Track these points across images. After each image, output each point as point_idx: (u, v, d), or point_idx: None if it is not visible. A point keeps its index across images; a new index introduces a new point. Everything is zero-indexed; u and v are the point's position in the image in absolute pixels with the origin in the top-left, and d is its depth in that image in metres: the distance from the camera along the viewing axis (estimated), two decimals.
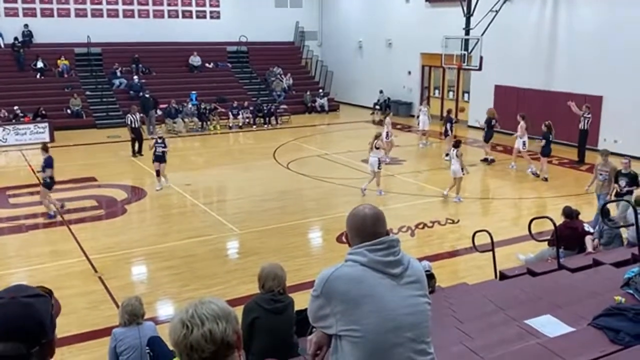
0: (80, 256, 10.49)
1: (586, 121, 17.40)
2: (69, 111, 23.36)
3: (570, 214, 9.49)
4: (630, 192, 10.96)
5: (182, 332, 1.85)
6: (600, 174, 11.81)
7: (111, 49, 26.33)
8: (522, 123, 16.71)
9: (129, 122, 18.84)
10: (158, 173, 14.72)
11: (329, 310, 2.55)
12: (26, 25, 25.17)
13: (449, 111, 19.54)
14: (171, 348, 1.93)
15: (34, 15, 25.49)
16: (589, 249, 8.76)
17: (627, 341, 4.00)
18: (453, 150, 13.92)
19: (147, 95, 22.43)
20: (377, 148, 14.08)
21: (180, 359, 1.91)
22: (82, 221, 12.49)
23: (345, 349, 2.54)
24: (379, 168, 14.10)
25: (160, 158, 14.69)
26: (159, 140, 14.85)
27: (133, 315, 5.52)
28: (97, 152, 19.34)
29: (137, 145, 18.87)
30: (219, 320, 1.86)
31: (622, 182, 11.14)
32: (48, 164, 12.42)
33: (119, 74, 25.71)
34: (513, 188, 15.48)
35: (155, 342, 5.37)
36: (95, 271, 9.84)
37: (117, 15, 26.93)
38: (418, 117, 20.31)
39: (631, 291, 5.05)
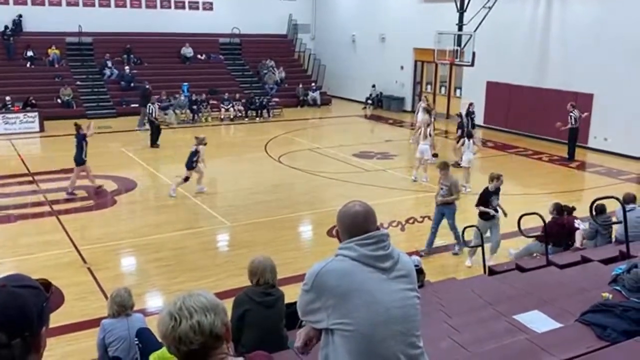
0: (70, 247, 10.43)
1: (573, 119, 17.43)
2: (59, 101, 23.18)
3: (561, 210, 9.55)
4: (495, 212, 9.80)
5: (170, 325, 1.85)
6: (442, 189, 10.35)
7: (102, 38, 26.12)
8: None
9: (149, 112, 19.03)
10: (187, 179, 13.54)
11: (319, 304, 2.56)
12: (20, 16, 24.92)
13: (471, 104, 19.14)
14: (160, 340, 1.93)
15: (25, 3, 25.21)
16: (577, 244, 8.83)
17: (613, 337, 4.04)
18: (469, 141, 14.65)
19: (147, 86, 22.03)
20: (430, 136, 15.41)
21: (168, 351, 1.91)
22: (72, 212, 12.42)
23: (336, 343, 2.55)
24: (428, 156, 15.16)
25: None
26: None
27: (122, 306, 5.51)
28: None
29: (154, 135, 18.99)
30: (207, 312, 1.86)
31: (495, 202, 9.83)
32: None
33: (110, 64, 25.50)
34: (502, 184, 15.50)
35: (144, 334, 5.36)
36: (85, 262, 9.80)
37: (109, 5, 26.70)
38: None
39: (618, 288, 5.09)
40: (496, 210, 9.85)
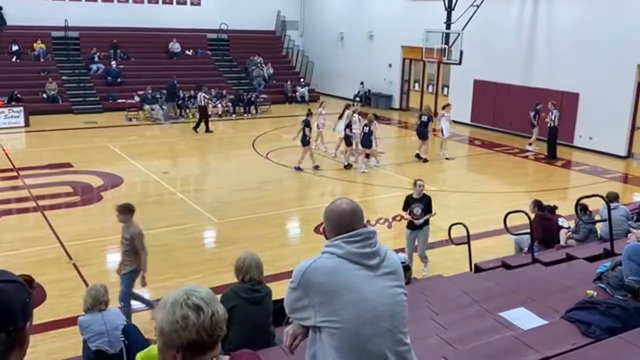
0: (54, 243, 10.34)
1: (554, 115, 17.46)
2: (44, 96, 22.95)
3: (542, 206, 9.58)
4: (427, 223, 9.23)
5: (209, 313, 1.84)
6: (123, 243, 7.69)
7: (89, 33, 25.87)
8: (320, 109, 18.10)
9: (199, 100, 20.76)
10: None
11: (307, 301, 2.56)
12: (0, 7, 24.61)
13: (538, 103, 18.70)
14: (150, 337, 1.91)
15: None
16: (562, 242, 8.90)
17: (598, 334, 4.08)
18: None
19: (175, 81, 22.26)
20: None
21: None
22: (57, 207, 12.31)
23: (324, 340, 2.55)
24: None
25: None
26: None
27: (96, 299, 5.58)
28: (73, 138, 19.05)
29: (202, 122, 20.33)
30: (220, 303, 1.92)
31: (417, 210, 9.16)
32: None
33: (96, 59, 25.29)
34: (488, 182, 15.62)
35: (130, 331, 5.34)
36: (70, 258, 9.72)
37: None
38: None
39: (603, 285, 5.14)
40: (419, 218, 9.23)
